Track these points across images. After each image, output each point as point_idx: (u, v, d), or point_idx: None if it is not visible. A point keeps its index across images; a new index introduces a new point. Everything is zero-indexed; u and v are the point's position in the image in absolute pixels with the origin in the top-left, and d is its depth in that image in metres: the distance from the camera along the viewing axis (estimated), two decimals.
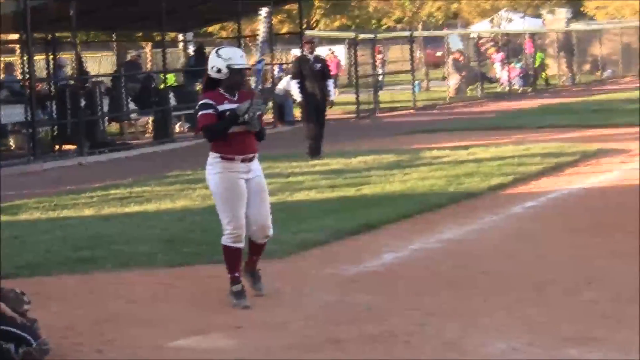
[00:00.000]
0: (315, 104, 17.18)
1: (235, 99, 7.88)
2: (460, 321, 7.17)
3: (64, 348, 6.84)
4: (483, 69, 36.72)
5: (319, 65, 17.36)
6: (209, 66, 7.92)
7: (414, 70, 32.23)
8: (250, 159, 7.94)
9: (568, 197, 12.81)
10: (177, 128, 24.58)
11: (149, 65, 29.77)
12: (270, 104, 24.89)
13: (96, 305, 8.10)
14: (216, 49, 8.07)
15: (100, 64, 33.90)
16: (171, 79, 25.82)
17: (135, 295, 8.40)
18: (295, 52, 28.91)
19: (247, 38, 29.00)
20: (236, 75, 7.89)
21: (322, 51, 23.40)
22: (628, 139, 18.01)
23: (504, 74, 36.62)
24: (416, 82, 32.42)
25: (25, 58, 19.74)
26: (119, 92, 23.04)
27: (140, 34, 31.69)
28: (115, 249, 10.08)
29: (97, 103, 21.62)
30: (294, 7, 29.61)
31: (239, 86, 7.98)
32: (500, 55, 37.42)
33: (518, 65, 37.21)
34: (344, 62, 43.11)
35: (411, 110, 29.85)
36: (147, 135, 24.56)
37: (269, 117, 24.12)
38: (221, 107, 7.82)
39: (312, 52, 17.56)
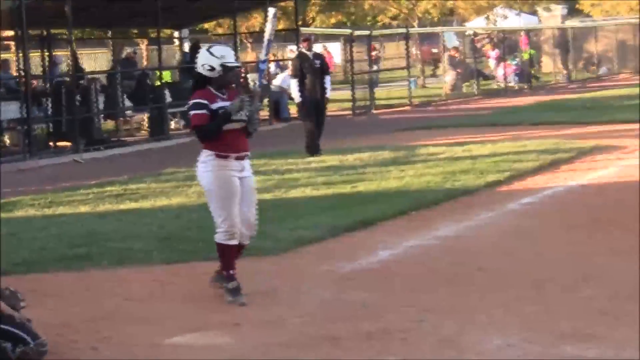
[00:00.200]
0: (315, 102, 17.16)
1: (226, 97, 7.86)
2: (457, 318, 7.16)
3: (60, 345, 6.81)
4: (479, 65, 36.71)
5: (318, 61, 17.35)
6: (200, 64, 7.86)
7: (409, 67, 32.22)
8: (244, 158, 7.92)
9: (565, 194, 12.79)
10: (172, 125, 24.55)
11: (144, 62, 29.74)
12: (266, 100, 24.84)
13: (92, 303, 8.08)
14: (207, 47, 8.03)
15: (95, 60, 33.89)
16: (167, 75, 25.81)
17: (131, 292, 8.39)
18: (292, 48, 28.89)
19: (243, 35, 28.97)
20: (229, 74, 7.86)
21: (316, 48, 23.29)
22: (624, 135, 18.00)
23: (500, 70, 36.62)
24: (412, 78, 32.39)
25: (20, 55, 19.71)
26: (114, 89, 23.01)
27: (136, 31, 31.68)
28: (111, 246, 10.06)
29: (93, 100, 21.58)
30: (290, 4, 29.56)
31: (232, 84, 7.95)
32: (496, 52, 37.41)
33: (514, 62, 37.20)
34: (339, 59, 43.06)
35: (407, 107, 29.85)
36: (142, 132, 24.53)
37: (264, 113, 24.09)
38: (214, 106, 7.78)
39: (309, 50, 17.57)
